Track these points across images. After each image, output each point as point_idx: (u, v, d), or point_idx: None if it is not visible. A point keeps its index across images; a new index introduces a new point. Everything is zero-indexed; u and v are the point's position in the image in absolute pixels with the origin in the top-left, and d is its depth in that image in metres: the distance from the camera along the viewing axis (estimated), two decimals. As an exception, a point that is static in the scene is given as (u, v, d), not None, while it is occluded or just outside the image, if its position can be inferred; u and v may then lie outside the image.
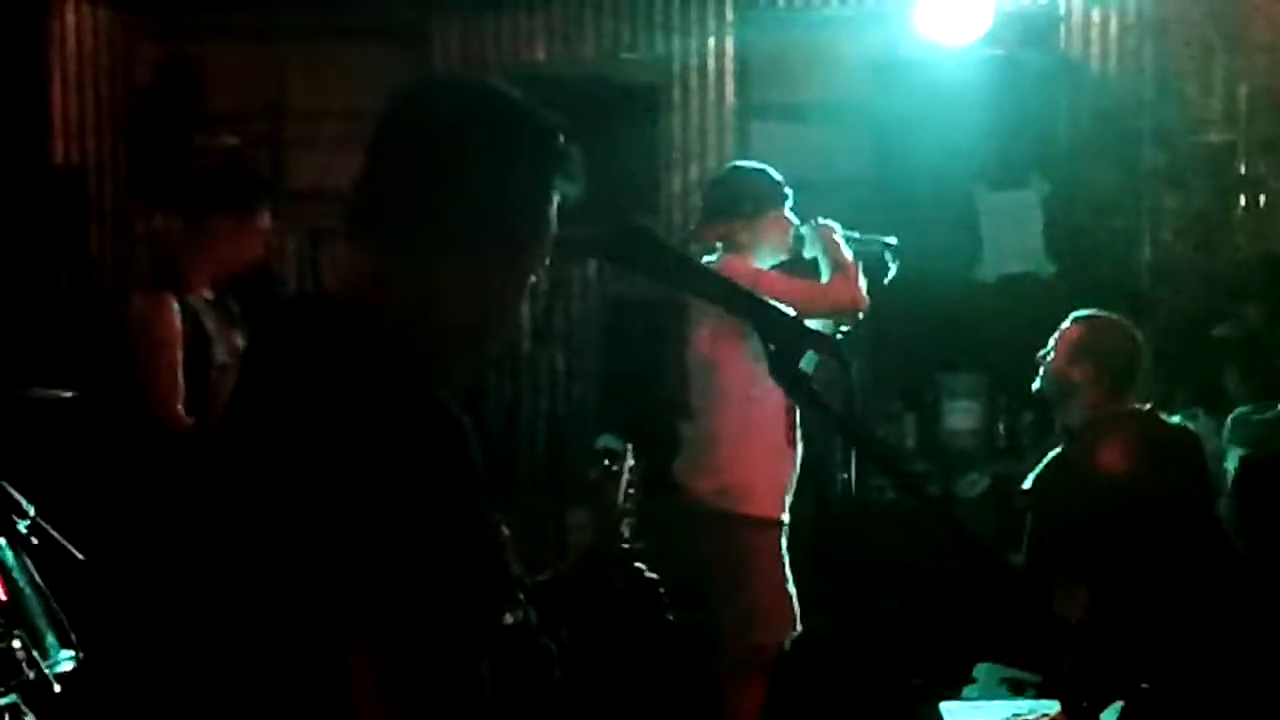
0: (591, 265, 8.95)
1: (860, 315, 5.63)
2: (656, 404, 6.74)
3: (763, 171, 5.86)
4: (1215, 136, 8.58)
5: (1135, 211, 8.76)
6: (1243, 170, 8.52)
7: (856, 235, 5.77)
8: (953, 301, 8.16)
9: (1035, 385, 5.31)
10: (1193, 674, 4.72)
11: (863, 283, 5.63)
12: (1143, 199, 8.76)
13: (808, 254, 5.71)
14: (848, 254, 5.62)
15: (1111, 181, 8.73)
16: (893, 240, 5.79)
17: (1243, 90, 8.54)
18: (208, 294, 5.70)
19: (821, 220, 5.72)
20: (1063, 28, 8.80)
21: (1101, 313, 5.31)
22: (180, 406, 5.47)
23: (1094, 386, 5.10)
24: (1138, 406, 5.15)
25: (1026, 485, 5.31)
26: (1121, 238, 8.77)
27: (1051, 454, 5.27)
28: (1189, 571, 4.89)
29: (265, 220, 5.71)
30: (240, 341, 5.72)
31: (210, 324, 5.61)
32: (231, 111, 9.14)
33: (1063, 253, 8.67)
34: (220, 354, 5.61)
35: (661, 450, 5.87)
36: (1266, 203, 8.42)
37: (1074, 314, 5.26)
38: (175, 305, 5.55)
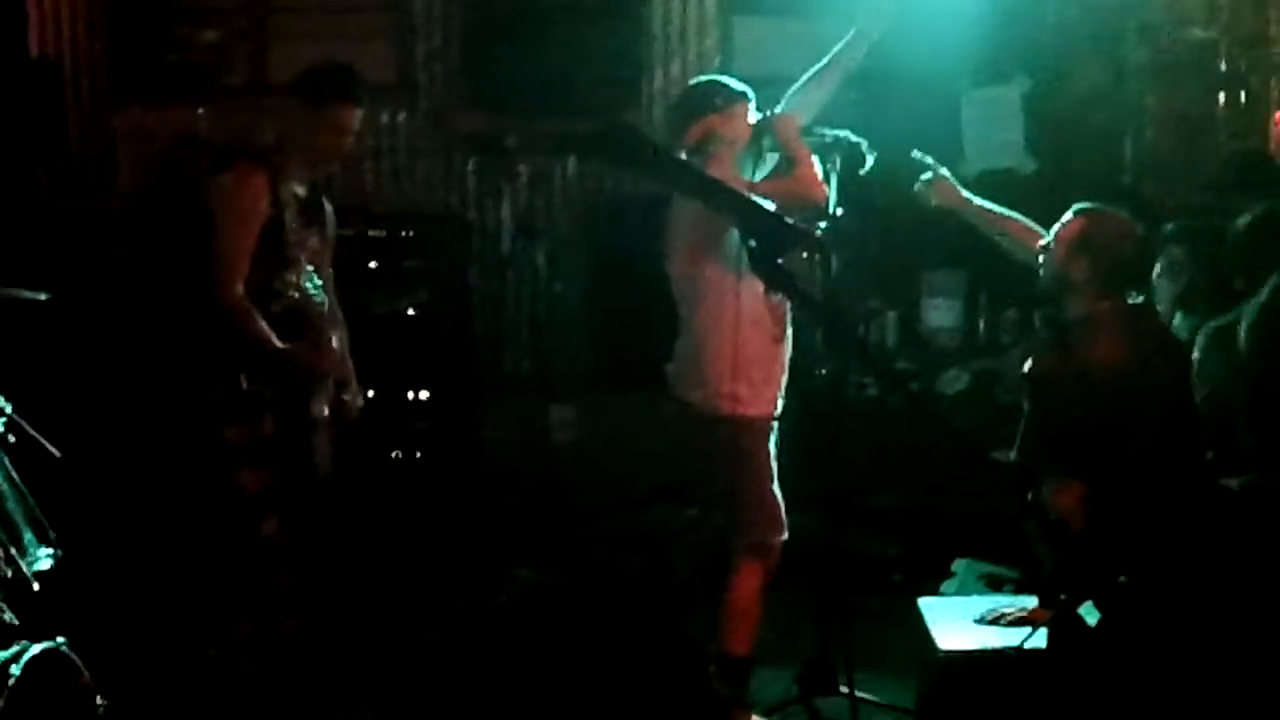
0: (574, 161, 8.87)
1: (823, 207, 5.58)
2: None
3: (723, 78, 5.93)
4: (1198, 33, 8.51)
5: (1118, 108, 8.70)
6: (1224, 67, 8.46)
7: (833, 132, 5.72)
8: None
9: (1039, 278, 5.23)
10: (1170, 571, 4.71)
11: (820, 172, 5.59)
12: (1126, 96, 8.69)
13: (766, 147, 5.67)
14: (804, 147, 5.59)
15: (1095, 78, 8.67)
16: (861, 141, 5.72)
17: (1223, -13, 8.50)
18: (299, 189, 5.64)
19: (779, 111, 5.68)
20: (1050, -74, 8.72)
21: (1103, 206, 5.22)
22: (241, 288, 5.42)
23: (1090, 282, 5.03)
24: (1134, 303, 5.07)
25: (1025, 370, 5.26)
26: (1104, 134, 8.71)
27: (1048, 345, 5.20)
28: (1172, 471, 4.86)
29: (352, 118, 5.63)
30: (317, 243, 5.69)
31: (290, 217, 5.56)
32: (214, 4, 9.01)
33: (1044, 149, 8.61)
34: (293, 248, 5.56)
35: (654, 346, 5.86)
36: (1248, 99, 8.36)
37: (1076, 206, 5.18)
38: (265, 183, 5.50)
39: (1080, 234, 5.06)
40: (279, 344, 5.42)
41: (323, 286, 5.70)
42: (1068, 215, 5.15)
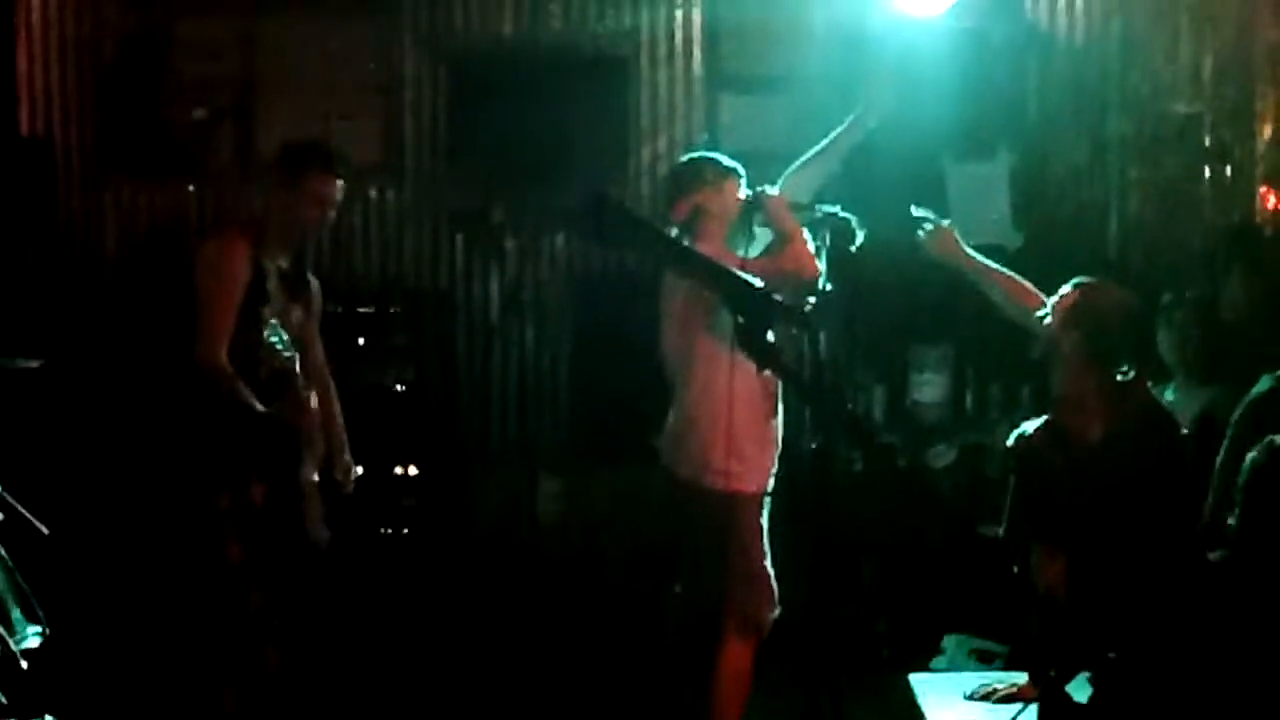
0: (561, 236, 8.90)
1: (816, 285, 5.60)
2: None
3: (714, 154, 5.96)
4: (1182, 107, 8.58)
5: (1103, 183, 8.75)
6: (1208, 141, 8.52)
7: (822, 207, 5.74)
8: (920, 274, 8.14)
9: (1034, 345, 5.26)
10: (1159, 646, 4.71)
11: (811, 248, 5.61)
12: (1110, 170, 8.75)
13: (757, 223, 5.70)
14: (796, 223, 5.61)
15: (1079, 153, 8.73)
16: (851, 216, 5.74)
17: (1208, 61, 8.55)
18: (282, 261, 5.70)
19: (767, 188, 5.71)
20: (1030, -1, 8.80)
21: (1102, 280, 5.25)
22: (224, 352, 5.46)
23: (1080, 355, 5.03)
24: (1122, 379, 5.07)
25: (1010, 443, 5.25)
26: (1089, 209, 8.76)
27: (1039, 419, 5.20)
28: (1161, 546, 4.87)
29: (330, 189, 5.70)
30: (300, 315, 5.76)
31: (273, 287, 5.61)
32: (202, 83, 9.05)
33: (1030, 224, 8.64)
34: (271, 315, 5.60)
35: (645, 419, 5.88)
36: (1233, 172, 8.42)
37: (1076, 280, 5.19)
38: (248, 252, 5.54)
39: (1074, 306, 5.06)
40: (261, 408, 5.45)
41: (311, 358, 5.76)
42: (1066, 287, 5.16)
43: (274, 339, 5.62)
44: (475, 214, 8.74)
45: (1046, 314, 5.14)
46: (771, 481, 5.68)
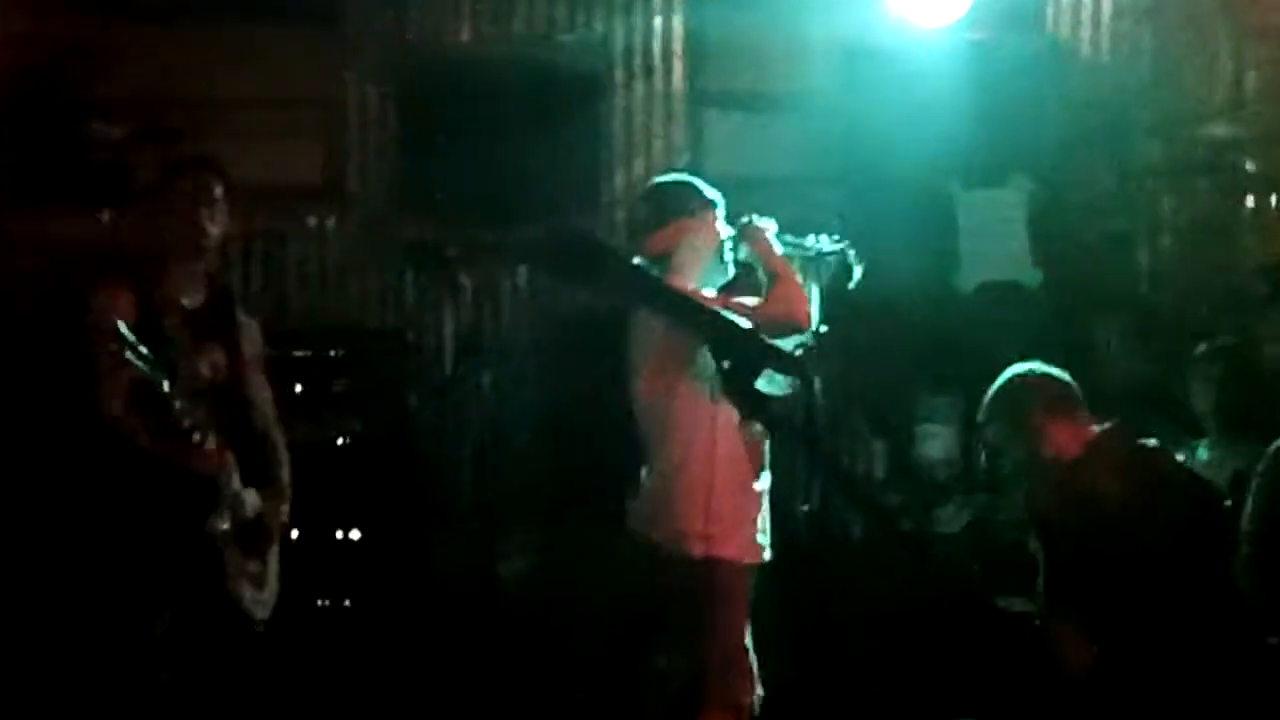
0: (525, 272, 8.92)
1: (807, 330, 5.62)
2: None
3: (694, 180, 5.95)
4: (1219, 130, 8.61)
5: (1131, 213, 8.79)
6: (1249, 167, 8.55)
7: (816, 244, 5.76)
8: (927, 314, 8.18)
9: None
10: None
11: (807, 292, 5.63)
12: (1139, 200, 8.79)
13: (741, 257, 5.72)
14: (783, 260, 5.62)
15: (1104, 180, 8.76)
16: (849, 249, 5.77)
17: (1249, 78, 8.58)
18: (187, 299, 5.74)
19: (754, 219, 5.72)
20: (1050, 9, 8.85)
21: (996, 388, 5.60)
22: (119, 403, 5.49)
23: (1022, 435, 5.35)
24: (1103, 429, 5.26)
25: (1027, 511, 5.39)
26: (1115, 242, 8.80)
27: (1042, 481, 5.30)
28: (1197, 621, 4.93)
29: (201, 190, 5.75)
30: (221, 357, 5.79)
31: (173, 328, 5.63)
32: (130, 100, 9.07)
33: (1050, 259, 8.68)
34: (174, 360, 5.63)
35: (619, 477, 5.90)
36: (1276, 203, 8.45)
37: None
38: (131, 300, 5.59)
39: (984, 419, 5.54)
40: (162, 450, 5.49)
41: (250, 405, 5.81)
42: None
43: (170, 387, 5.65)
44: (428, 246, 8.75)
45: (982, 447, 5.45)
46: (766, 552, 5.68)
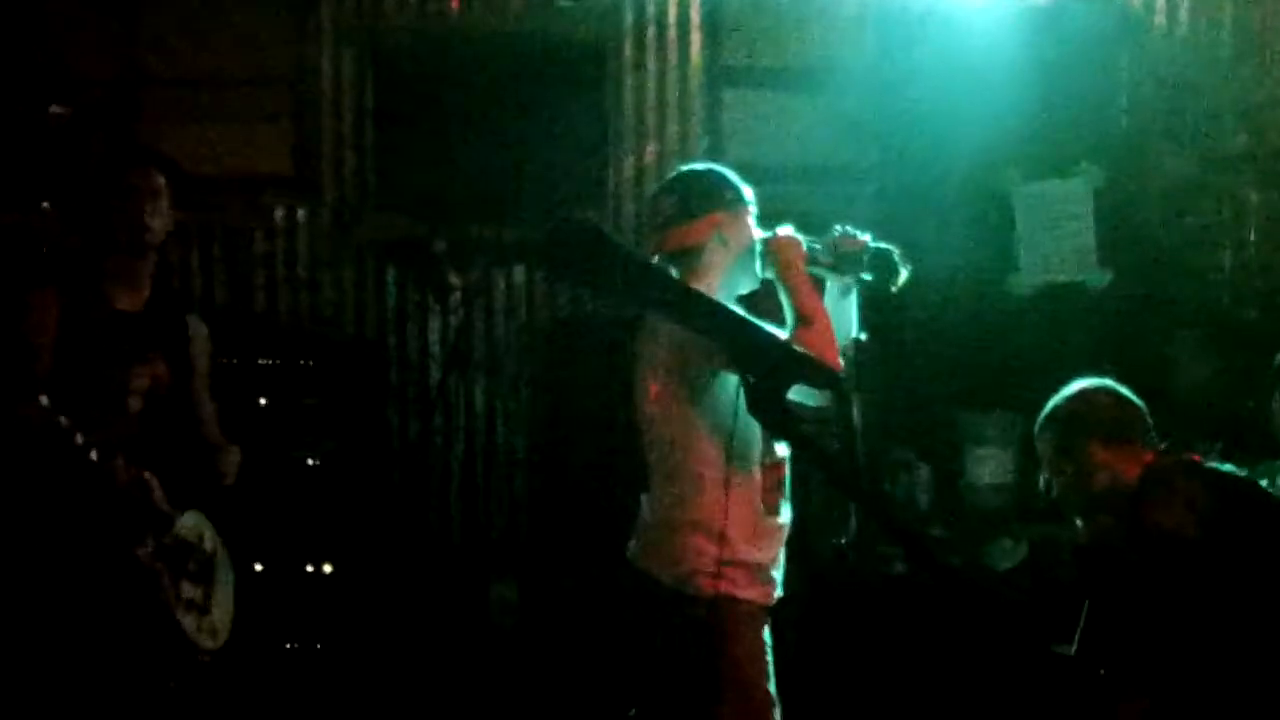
0: (520, 272, 8.90)
1: (833, 379, 5.52)
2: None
3: (725, 170, 5.78)
4: (1312, 112, 8.61)
5: (1211, 207, 8.76)
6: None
7: (857, 236, 5.68)
8: (979, 321, 8.15)
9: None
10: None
11: (847, 298, 5.56)
12: (1220, 192, 8.75)
13: (765, 274, 5.62)
14: (813, 290, 5.51)
15: (1182, 170, 8.73)
16: (894, 249, 5.68)
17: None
18: (123, 301, 5.76)
19: (789, 230, 5.60)
20: (1124, -28, 8.83)
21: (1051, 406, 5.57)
22: (40, 400, 5.46)
23: (1093, 465, 5.35)
24: (1161, 454, 5.23)
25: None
26: (1195, 240, 8.75)
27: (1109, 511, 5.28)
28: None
29: (142, 182, 5.74)
30: (162, 368, 5.83)
31: (105, 337, 5.63)
32: (80, 78, 9.06)
33: (1120, 258, 8.63)
34: (113, 370, 5.63)
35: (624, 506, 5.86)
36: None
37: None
38: (53, 304, 5.66)
39: (1051, 443, 5.55)
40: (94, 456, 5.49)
41: (198, 419, 5.81)
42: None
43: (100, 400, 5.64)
44: (411, 243, 8.74)
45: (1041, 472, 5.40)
46: (778, 590, 5.61)
